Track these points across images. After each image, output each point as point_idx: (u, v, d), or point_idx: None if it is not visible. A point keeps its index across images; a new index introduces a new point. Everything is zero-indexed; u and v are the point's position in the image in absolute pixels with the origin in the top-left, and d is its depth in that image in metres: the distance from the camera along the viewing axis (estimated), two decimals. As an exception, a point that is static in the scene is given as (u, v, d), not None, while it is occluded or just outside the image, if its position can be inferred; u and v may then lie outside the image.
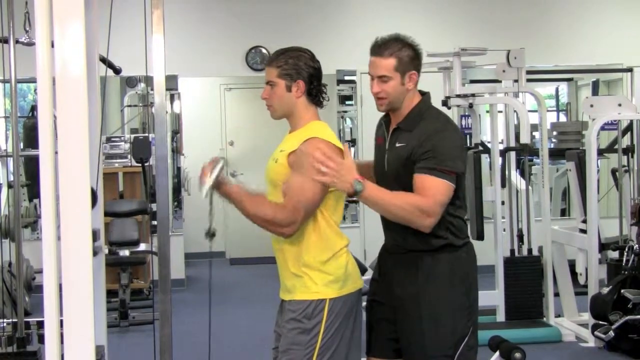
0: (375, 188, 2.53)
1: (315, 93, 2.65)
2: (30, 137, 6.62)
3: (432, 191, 2.53)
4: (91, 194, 2.00)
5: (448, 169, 2.55)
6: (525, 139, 5.40)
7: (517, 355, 3.57)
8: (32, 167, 6.23)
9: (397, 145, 2.68)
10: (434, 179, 2.54)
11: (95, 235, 2.61)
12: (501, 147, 5.89)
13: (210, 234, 2.60)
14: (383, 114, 2.80)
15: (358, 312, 2.68)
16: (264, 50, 7.64)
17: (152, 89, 6.08)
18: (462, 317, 2.67)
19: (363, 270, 4.21)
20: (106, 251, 4.16)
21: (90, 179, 1.97)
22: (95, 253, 2.34)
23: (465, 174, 2.75)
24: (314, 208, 2.53)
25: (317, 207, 2.54)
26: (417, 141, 2.60)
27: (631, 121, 6.05)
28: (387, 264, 2.80)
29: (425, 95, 2.74)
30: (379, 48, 2.66)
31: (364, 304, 4.07)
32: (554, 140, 7.29)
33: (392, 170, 2.70)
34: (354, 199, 2.55)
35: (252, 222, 2.53)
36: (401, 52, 2.64)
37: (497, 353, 3.67)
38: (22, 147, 6.32)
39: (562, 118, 9.27)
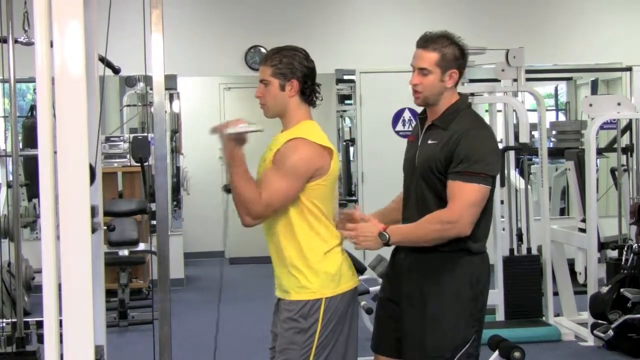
0: (398, 230, 2.61)
1: (308, 93, 2.64)
2: (30, 136, 6.61)
3: (457, 196, 2.53)
4: (89, 170, 1.99)
5: (477, 171, 2.53)
6: (524, 138, 5.40)
7: (517, 354, 3.56)
8: (31, 166, 6.22)
9: (430, 142, 2.67)
10: (462, 184, 2.53)
11: (93, 212, 2.61)
12: (500, 146, 5.89)
13: (228, 189, 2.67)
14: (412, 114, 2.80)
15: (354, 310, 2.67)
16: (263, 50, 7.63)
17: (151, 89, 6.08)
18: (465, 322, 2.63)
19: (362, 270, 4.20)
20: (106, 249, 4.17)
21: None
22: (93, 230, 2.34)
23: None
24: (286, 204, 2.56)
25: (289, 203, 2.56)
26: (448, 139, 2.59)
27: (630, 120, 6.06)
28: (398, 260, 2.79)
29: (463, 95, 2.74)
30: (425, 41, 2.66)
31: (363, 303, 4.06)
32: (553, 139, 7.29)
33: (421, 166, 2.68)
34: (354, 198, 2.56)
35: (231, 191, 2.58)
36: (446, 48, 2.64)
37: (497, 352, 3.66)
38: (21, 146, 6.31)
39: (562, 117, 9.27)
